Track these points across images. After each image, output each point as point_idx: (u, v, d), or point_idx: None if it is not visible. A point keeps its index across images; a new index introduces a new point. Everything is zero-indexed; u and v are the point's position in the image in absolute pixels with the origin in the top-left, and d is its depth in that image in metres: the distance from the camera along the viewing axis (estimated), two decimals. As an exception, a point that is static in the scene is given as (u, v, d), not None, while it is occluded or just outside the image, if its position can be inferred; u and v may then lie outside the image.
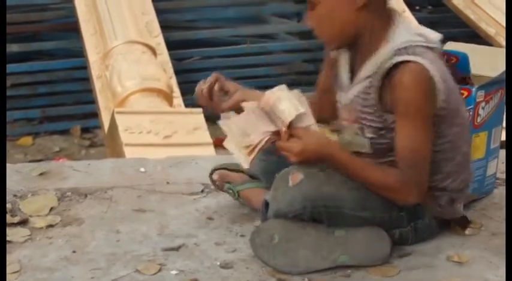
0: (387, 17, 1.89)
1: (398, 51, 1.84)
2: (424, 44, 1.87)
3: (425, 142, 1.87)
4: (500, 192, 2.26)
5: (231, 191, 2.15)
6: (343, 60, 1.98)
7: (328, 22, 1.90)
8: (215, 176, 2.18)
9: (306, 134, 1.86)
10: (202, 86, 2.05)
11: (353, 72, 1.95)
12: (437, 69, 1.84)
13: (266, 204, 1.95)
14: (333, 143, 1.92)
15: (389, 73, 1.84)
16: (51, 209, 2.16)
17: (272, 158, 2.02)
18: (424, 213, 1.96)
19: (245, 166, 1.89)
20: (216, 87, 2.04)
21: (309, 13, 1.90)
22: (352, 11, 1.87)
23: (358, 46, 1.92)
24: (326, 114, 2.06)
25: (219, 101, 2.04)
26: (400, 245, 1.95)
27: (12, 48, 5.14)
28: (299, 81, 4.93)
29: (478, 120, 2.17)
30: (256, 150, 1.87)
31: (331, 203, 1.88)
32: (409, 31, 1.89)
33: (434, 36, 1.92)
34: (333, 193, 1.88)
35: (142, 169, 2.45)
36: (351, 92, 1.93)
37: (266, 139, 1.87)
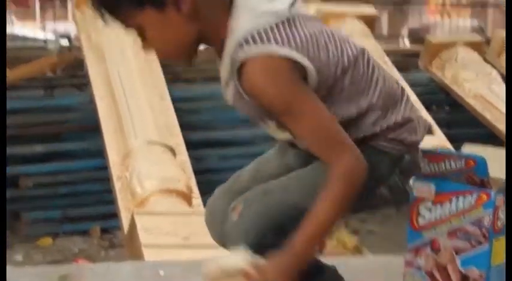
0: (224, 5, 1.67)
1: (241, 45, 1.63)
2: (274, 23, 1.64)
3: (322, 119, 1.66)
4: (523, 296, 2.23)
5: None
6: None
7: (162, 42, 1.70)
8: None
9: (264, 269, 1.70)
10: None
11: None
12: (294, 47, 1.63)
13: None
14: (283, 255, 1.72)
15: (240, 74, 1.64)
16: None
17: None
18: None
19: None
20: None
21: (143, 44, 1.72)
22: (181, 21, 1.66)
23: (212, 45, 1.73)
24: None
25: None
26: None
27: (36, 148, 5.22)
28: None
29: (498, 224, 2.16)
30: None
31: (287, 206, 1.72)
32: (252, 12, 1.66)
33: (283, 4, 1.69)
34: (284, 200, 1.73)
35: (161, 272, 2.45)
36: (229, 95, 1.75)
37: None
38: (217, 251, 3.15)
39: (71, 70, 6.93)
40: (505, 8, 6.46)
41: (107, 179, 4.66)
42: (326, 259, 1.89)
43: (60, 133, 5.61)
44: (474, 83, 5.96)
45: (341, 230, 4.27)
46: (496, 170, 2.21)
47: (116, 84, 4.98)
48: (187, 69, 7.20)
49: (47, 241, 4.97)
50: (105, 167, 4.69)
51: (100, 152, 4.86)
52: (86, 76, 5.44)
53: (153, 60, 5.23)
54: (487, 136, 5.32)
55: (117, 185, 4.30)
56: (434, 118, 5.44)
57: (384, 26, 11.61)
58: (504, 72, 6.34)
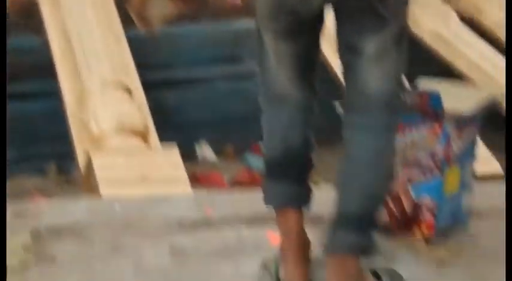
0: None
1: None
2: None
3: None
4: (476, 224, 2.28)
5: None
6: None
7: None
8: None
9: None
10: None
11: None
12: None
13: None
14: None
15: None
16: (26, 248, 2.14)
17: None
18: None
19: None
20: None
21: None
22: None
23: None
24: None
25: None
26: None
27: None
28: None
29: (452, 155, 2.19)
30: None
31: None
32: None
33: None
34: None
35: (117, 208, 2.45)
36: None
37: None
38: (174, 187, 3.17)
39: (26, 13, 6.80)
40: None
41: (63, 120, 4.60)
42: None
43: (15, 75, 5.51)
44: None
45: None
46: (450, 103, 2.22)
47: (70, 28, 4.90)
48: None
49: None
50: (61, 108, 4.63)
51: (55, 94, 4.79)
52: (40, 19, 5.33)
53: (109, 4, 5.14)
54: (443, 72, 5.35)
55: (73, 126, 4.25)
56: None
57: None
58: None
